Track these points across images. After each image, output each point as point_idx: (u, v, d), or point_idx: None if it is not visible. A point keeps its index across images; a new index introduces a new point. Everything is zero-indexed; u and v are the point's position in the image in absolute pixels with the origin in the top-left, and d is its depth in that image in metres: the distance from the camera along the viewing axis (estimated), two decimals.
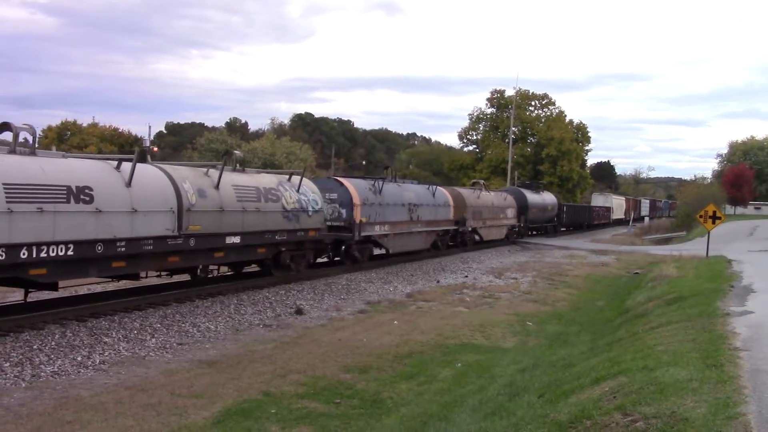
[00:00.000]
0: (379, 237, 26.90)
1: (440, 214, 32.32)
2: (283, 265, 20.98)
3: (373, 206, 26.08)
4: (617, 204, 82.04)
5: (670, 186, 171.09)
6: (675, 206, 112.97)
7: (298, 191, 21.18)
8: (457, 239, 35.51)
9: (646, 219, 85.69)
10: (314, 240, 22.12)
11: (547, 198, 53.23)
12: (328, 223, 23.70)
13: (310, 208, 21.55)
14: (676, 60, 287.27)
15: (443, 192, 33.89)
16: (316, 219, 21.91)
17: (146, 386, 10.40)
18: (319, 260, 25.05)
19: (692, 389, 7.30)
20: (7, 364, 11.08)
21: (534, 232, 51.37)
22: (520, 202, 45.50)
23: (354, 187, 25.73)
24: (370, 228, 25.87)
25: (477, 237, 38.47)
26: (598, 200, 78.94)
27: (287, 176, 21.91)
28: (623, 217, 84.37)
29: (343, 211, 25.19)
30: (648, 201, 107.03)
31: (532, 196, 48.45)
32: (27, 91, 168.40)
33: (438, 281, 24.48)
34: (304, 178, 22.23)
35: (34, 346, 12.14)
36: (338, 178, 26.71)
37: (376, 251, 28.42)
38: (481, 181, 42.87)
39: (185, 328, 14.58)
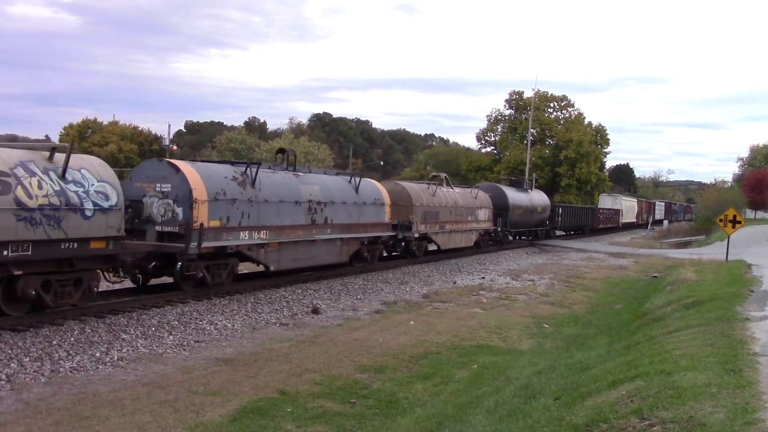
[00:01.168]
0: (249, 248, 18.87)
1: (367, 215, 24.39)
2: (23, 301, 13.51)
3: (238, 203, 18.28)
4: (627, 206, 75.16)
5: (690, 189, 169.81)
6: (689, 209, 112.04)
7: (62, 177, 13.65)
8: (398, 248, 28.69)
9: (665, 222, 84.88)
10: (101, 256, 14.65)
11: (536, 198, 46.05)
12: (160, 229, 17.12)
13: (90, 205, 14.03)
14: (696, 62, 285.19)
15: (373, 186, 26.15)
16: (103, 222, 14.30)
17: (163, 383, 10.47)
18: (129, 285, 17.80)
19: (710, 394, 7.24)
20: (27, 359, 11.21)
21: (520, 238, 44.70)
22: (497, 201, 38.88)
23: (198, 174, 17.62)
24: (227, 235, 17.99)
25: (434, 245, 31.72)
26: (606, 202, 72.16)
27: (47, 152, 14.00)
28: (635, 220, 78.16)
29: (179, 211, 17.16)
30: (663, 204, 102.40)
31: (514, 195, 41.71)
32: (49, 88, 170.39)
33: (455, 282, 24.44)
34: (83, 158, 14.92)
35: (54, 342, 12.26)
36: (172, 161, 18.19)
37: (252, 269, 22.14)
38: (443, 175, 34.68)
39: (202, 325, 14.66)
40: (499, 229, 38.61)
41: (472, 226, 34.78)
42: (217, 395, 10.03)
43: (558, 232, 52.74)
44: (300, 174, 21.82)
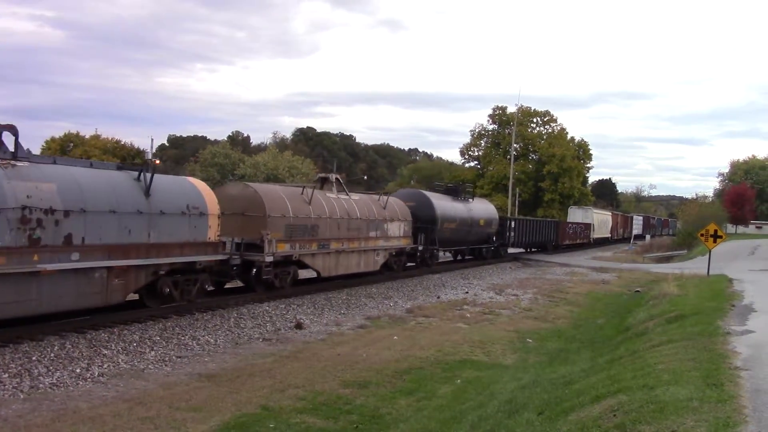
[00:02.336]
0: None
1: (169, 231, 16.52)
2: None
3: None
4: (600, 220, 69.61)
5: (672, 204, 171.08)
6: (667, 223, 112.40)
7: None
8: (239, 278, 21.08)
9: (647, 237, 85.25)
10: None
11: (479, 209, 38.13)
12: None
13: None
14: (677, 79, 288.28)
15: (186, 187, 17.97)
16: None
17: (145, 399, 10.37)
18: None
19: (692, 408, 7.26)
20: (6, 375, 11.07)
21: (460, 258, 38.81)
22: (421, 212, 31.37)
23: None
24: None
25: (313, 271, 23.81)
26: (575, 215, 66.65)
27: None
28: (609, 235, 73.38)
29: None
30: (641, 218, 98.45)
31: (445, 205, 34.00)
32: (32, 102, 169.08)
33: (438, 297, 24.43)
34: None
35: (33, 358, 12.12)
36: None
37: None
38: (333, 175, 27.07)
39: (185, 341, 14.56)
40: (421, 247, 30.88)
41: (378, 245, 26.83)
42: (199, 411, 9.95)
43: (512, 250, 45.93)
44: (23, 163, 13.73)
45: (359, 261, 25.92)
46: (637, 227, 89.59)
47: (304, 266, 22.94)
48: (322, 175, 27.83)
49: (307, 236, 22.31)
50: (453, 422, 9.83)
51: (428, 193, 34.28)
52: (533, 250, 50.77)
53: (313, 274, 24.12)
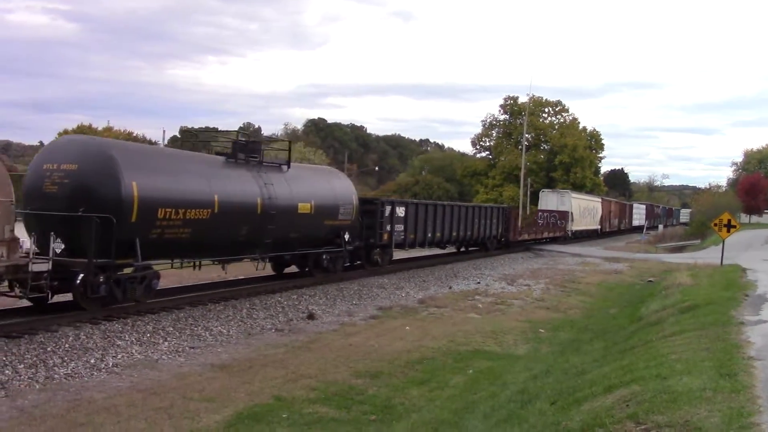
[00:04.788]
0: None
1: None
2: None
3: None
4: (581, 207, 55.25)
5: (685, 194, 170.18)
6: (671, 213, 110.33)
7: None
8: None
9: (660, 227, 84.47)
10: None
11: (303, 183, 21.76)
12: None
13: None
14: (689, 68, 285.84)
15: None
16: None
17: (158, 389, 10.44)
18: None
19: (706, 398, 7.24)
20: (22, 365, 11.16)
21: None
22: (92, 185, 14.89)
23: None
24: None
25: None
26: (549, 200, 53.04)
27: None
28: (597, 227, 60.19)
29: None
30: (643, 206, 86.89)
31: (170, 169, 16.92)
32: (45, 95, 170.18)
33: (450, 287, 24.43)
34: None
35: (48, 348, 12.22)
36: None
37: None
38: None
39: (198, 331, 14.63)
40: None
41: None
42: (213, 401, 10.00)
43: (404, 254, 31.30)
44: None
45: None
46: (638, 217, 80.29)
47: None
48: None
49: None
50: (465, 412, 9.84)
51: (114, 146, 16.44)
52: (464, 249, 37.59)
53: None
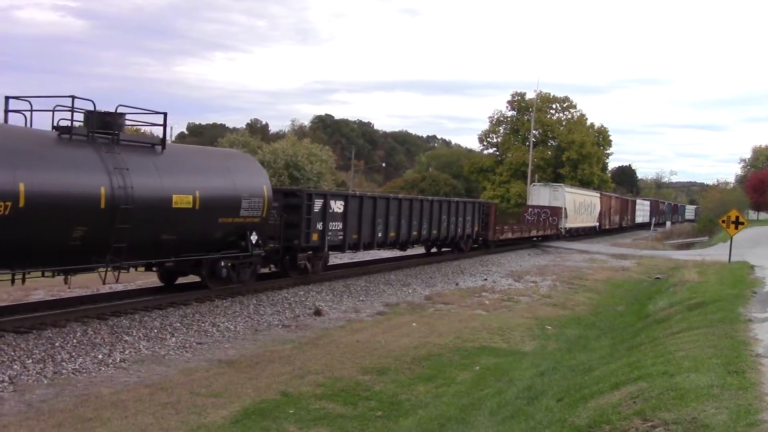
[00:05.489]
0: None
1: None
2: None
3: None
4: (577, 203, 51.19)
5: (692, 191, 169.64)
6: (676, 209, 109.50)
7: None
8: None
9: (668, 224, 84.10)
10: None
11: (180, 168, 16.52)
12: None
13: None
14: (697, 64, 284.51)
15: None
16: None
17: (166, 385, 10.48)
18: None
19: (713, 395, 7.23)
20: (30, 361, 11.21)
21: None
22: None
23: None
24: None
25: None
26: (540, 195, 49.39)
27: None
28: (595, 224, 56.37)
29: None
30: (647, 202, 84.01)
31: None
32: (54, 92, 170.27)
33: (457, 284, 24.42)
34: None
35: (56, 344, 12.26)
36: None
37: None
38: None
39: (205, 327, 14.67)
40: None
41: None
42: (220, 397, 10.03)
43: (336, 259, 27.09)
44: None
45: None
46: (642, 213, 77.07)
47: None
48: None
49: None
50: (472, 409, 9.85)
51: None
52: (434, 251, 32.96)
53: None
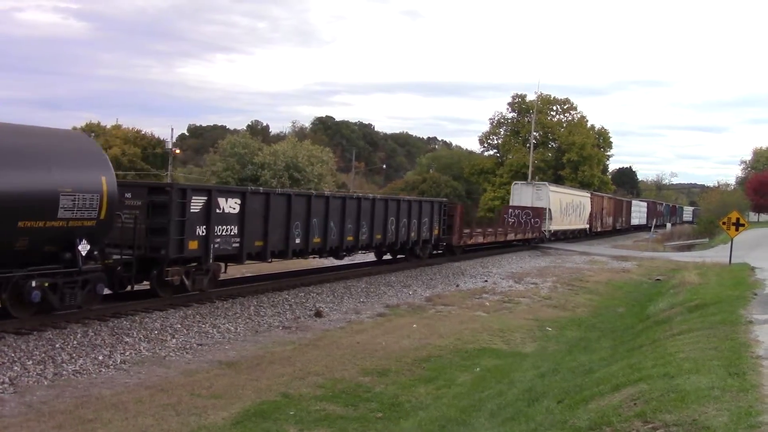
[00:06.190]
0: None
1: None
2: None
3: None
4: (563, 203, 47.53)
5: (693, 192, 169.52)
6: (675, 211, 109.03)
7: None
8: None
9: (668, 225, 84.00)
10: None
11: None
12: None
13: None
14: (698, 66, 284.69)
15: None
16: None
17: (166, 386, 10.48)
18: None
19: (714, 397, 7.22)
20: (30, 362, 11.21)
21: None
22: None
23: None
24: None
25: None
26: (522, 195, 45.52)
27: None
28: (585, 227, 52.80)
29: None
30: (644, 204, 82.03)
31: None
32: (56, 93, 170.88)
33: (457, 285, 24.41)
34: None
35: (57, 345, 12.26)
36: None
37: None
38: None
39: (205, 329, 14.66)
40: None
41: None
42: (220, 398, 10.03)
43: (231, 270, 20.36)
44: None
45: None
46: (638, 215, 75.06)
47: None
48: None
49: None
50: (472, 410, 9.84)
51: None
52: (393, 258, 28.65)
53: None
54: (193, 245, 16.42)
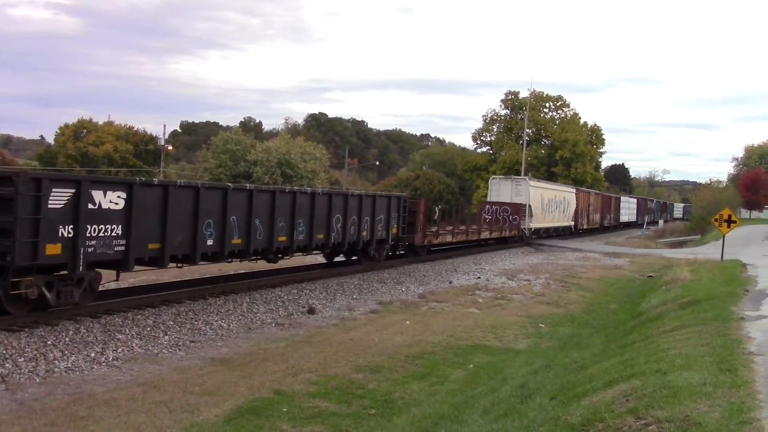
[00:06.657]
0: None
1: None
2: None
3: None
4: (545, 199, 45.31)
5: (685, 189, 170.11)
6: (665, 207, 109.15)
7: None
8: None
9: (661, 222, 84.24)
10: None
11: None
12: None
13: None
14: (690, 63, 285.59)
15: None
16: None
17: (159, 383, 10.45)
18: None
19: (706, 393, 7.24)
20: (22, 359, 11.16)
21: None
22: None
23: None
24: None
25: None
26: (501, 190, 43.08)
27: None
28: (570, 224, 50.96)
29: None
30: (634, 200, 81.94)
31: None
32: (47, 89, 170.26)
33: (450, 282, 24.42)
34: None
35: (48, 342, 12.21)
36: None
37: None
38: None
39: (198, 325, 14.63)
40: None
41: None
42: (213, 395, 10.01)
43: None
44: None
45: None
46: (627, 212, 74.18)
47: None
48: None
49: None
50: (465, 407, 9.85)
51: None
52: (346, 259, 25.85)
53: None
54: (52, 249, 13.00)
